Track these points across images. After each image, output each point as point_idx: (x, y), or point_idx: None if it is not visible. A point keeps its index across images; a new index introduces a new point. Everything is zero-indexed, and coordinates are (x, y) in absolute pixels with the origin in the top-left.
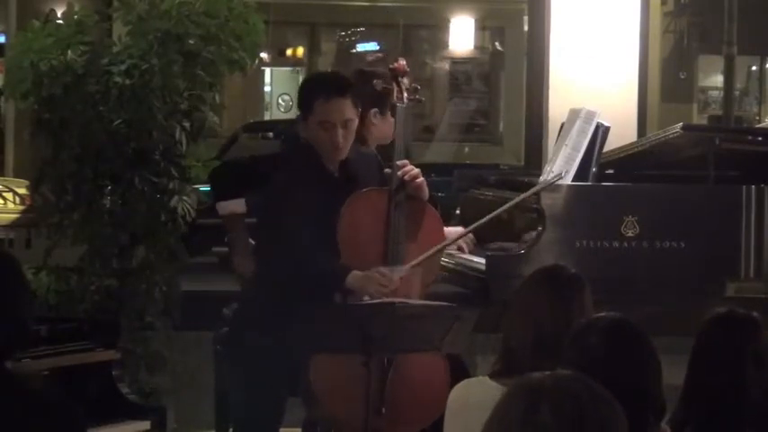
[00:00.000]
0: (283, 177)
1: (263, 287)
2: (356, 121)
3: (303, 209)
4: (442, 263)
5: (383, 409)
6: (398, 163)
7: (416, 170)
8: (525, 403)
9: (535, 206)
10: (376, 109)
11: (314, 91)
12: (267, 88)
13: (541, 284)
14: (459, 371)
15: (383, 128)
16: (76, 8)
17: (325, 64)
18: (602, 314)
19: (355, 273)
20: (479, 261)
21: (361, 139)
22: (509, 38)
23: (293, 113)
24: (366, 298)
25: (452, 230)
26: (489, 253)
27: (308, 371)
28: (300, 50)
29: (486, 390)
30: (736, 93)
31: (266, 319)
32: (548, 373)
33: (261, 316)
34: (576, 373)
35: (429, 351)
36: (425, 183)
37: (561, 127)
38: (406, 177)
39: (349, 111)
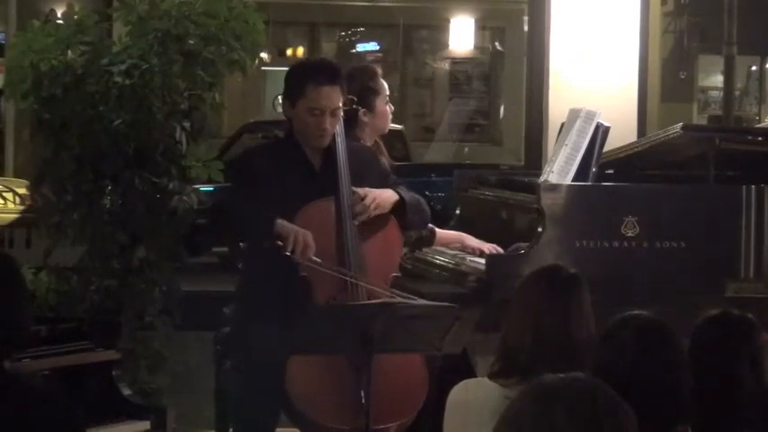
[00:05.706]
0: (262, 169)
1: (260, 288)
2: (342, 109)
3: (274, 198)
4: (443, 263)
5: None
6: (353, 194)
7: (367, 204)
8: (539, 406)
9: (535, 206)
10: (363, 109)
11: (305, 77)
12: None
13: (540, 284)
14: (464, 369)
15: (376, 122)
16: (76, 8)
17: None
18: (636, 312)
19: (282, 220)
20: (479, 261)
21: (355, 138)
22: (509, 38)
23: None
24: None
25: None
26: (489, 253)
27: (284, 383)
28: (300, 50)
29: (484, 390)
30: (737, 93)
31: (266, 320)
32: (562, 375)
33: (260, 316)
34: (589, 376)
35: (429, 351)
36: (380, 205)
37: (561, 127)
38: (360, 209)
39: (338, 99)
